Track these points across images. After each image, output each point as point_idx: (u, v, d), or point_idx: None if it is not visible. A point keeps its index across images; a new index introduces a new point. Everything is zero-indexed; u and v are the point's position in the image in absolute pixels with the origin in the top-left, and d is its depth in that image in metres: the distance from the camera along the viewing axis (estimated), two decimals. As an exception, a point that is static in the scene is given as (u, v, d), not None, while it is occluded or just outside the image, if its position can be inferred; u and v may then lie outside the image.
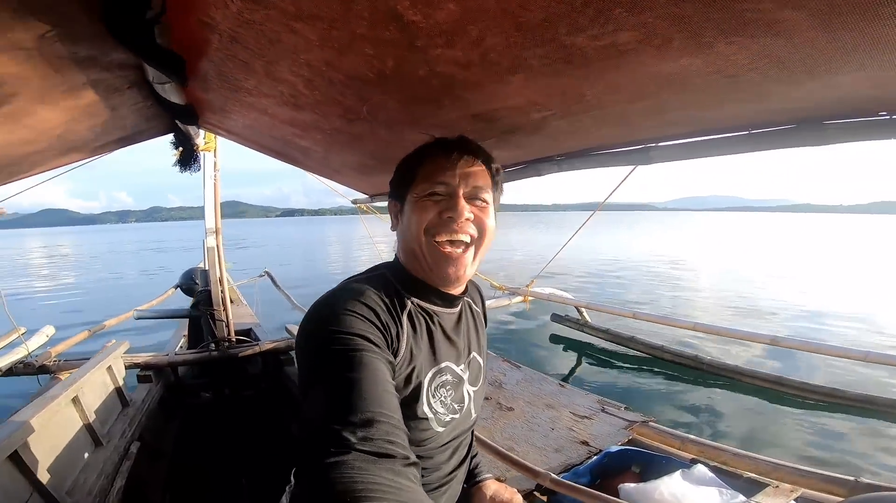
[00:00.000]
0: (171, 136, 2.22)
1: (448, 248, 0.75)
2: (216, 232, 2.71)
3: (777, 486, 1.46)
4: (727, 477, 1.54)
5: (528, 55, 0.73)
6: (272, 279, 5.97)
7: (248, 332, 3.16)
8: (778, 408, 3.78)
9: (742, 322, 7.00)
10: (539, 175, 1.67)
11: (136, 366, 2.40)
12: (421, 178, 0.78)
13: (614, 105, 0.97)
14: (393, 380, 0.65)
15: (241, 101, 1.33)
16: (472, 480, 0.98)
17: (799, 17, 0.55)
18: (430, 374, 0.75)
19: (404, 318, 0.73)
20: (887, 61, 0.65)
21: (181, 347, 3.13)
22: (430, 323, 0.79)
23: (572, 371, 4.92)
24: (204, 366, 2.67)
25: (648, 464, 1.61)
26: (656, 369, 4.66)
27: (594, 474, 1.61)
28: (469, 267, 0.78)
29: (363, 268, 0.86)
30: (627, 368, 4.82)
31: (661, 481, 1.39)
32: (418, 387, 0.73)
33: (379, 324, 0.67)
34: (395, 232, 0.86)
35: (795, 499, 1.41)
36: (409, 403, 0.72)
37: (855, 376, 4.40)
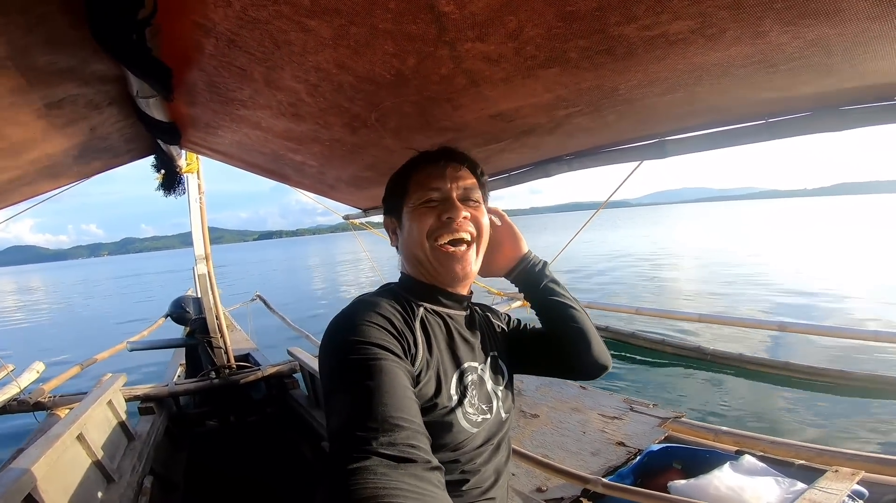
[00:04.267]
0: (151, 159, 2.12)
1: (452, 248, 0.78)
2: (206, 258, 2.58)
3: (836, 471, 1.41)
4: (778, 466, 1.50)
5: (569, 47, 0.68)
6: (265, 302, 5.76)
7: (246, 358, 3.05)
8: (787, 393, 3.78)
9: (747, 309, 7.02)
10: (547, 176, 1.61)
11: (136, 398, 2.33)
12: (413, 188, 0.80)
13: (644, 98, 0.92)
14: (415, 387, 0.66)
15: (231, 115, 1.24)
16: None
17: (862, 4, 0.55)
18: (455, 376, 0.75)
19: (417, 325, 0.74)
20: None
21: (179, 377, 3.00)
22: (445, 325, 0.80)
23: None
24: (206, 394, 2.60)
25: (691, 460, 1.56)
26: (660, 363, 4.63)
27: (636, 475, 1.55)
28: (473, 264, 0.80)
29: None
30: (631, 364, 4.78)
31: (712, 475, 1.34)
32: (448, 388, 0.73)
33: (395, 333, 0.67)
34: (395, 248, 0.87)
35: (858, 483, 1.37)
36: (441, 404, 0.70)
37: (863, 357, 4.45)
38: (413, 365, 0.68)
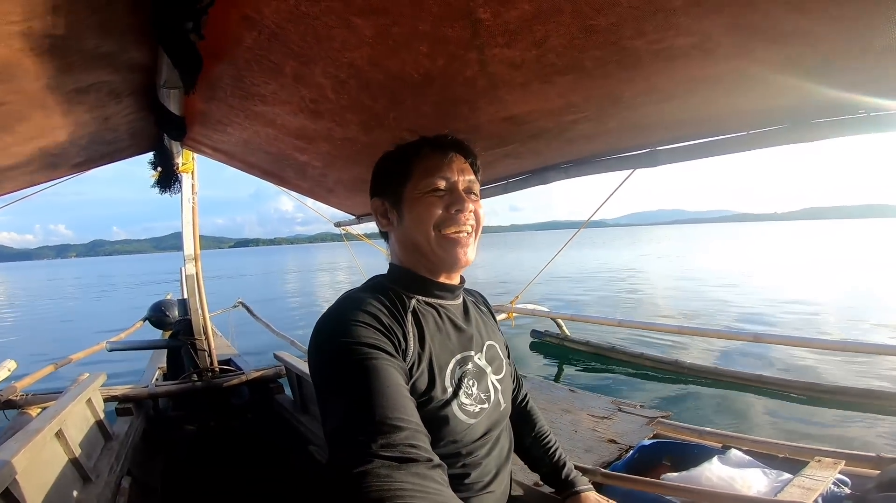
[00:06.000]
0: (149, 156, 2.12)
1: (456, 234, 0.79)
2: (195, 259, 2.56)
3: (819, 461, 1.49)
4: (763, 458, 1.58)
5: (585, 57, 0.75)
6: (247, 309, 5.62)
7: (228, 363, 2.99)
8: (762, 403, 3.93)
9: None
10: (545, 183, 1.68)
11: (113, 398, 2.27)
12: (419, 174, 0.80)
13: (643, 106, 1.00)
14: (408, 383, 0.66)
15: (246, 111, 1.27)
16: (569, 489, 0.94)
17: (824, 28, 0.64)
18: (450, 366, 0.75)
19: (408, 317, 0.74)
20: (866, 67, 0.76)
21: (157, 379, 2.92)
22: (438, 316, 0.80)
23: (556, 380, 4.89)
24: (185, 398, 2.54)
25: (680, 455, 1.64)
26: (639, 376, 4.75)
27: (629, 470, 1.61)
28: (472, 250, 0.82)
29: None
30: (611, 376, 4.87)
31: (702, 468, 1.41)
32: (442, 381, 0.73)
33: (383, 329, 0.67)
34: (384, 234, 0.88)
35: (840, 472, 1.45)
36: (436, 397, 0.71)
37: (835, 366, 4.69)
38: (404, 359, 0.68)
